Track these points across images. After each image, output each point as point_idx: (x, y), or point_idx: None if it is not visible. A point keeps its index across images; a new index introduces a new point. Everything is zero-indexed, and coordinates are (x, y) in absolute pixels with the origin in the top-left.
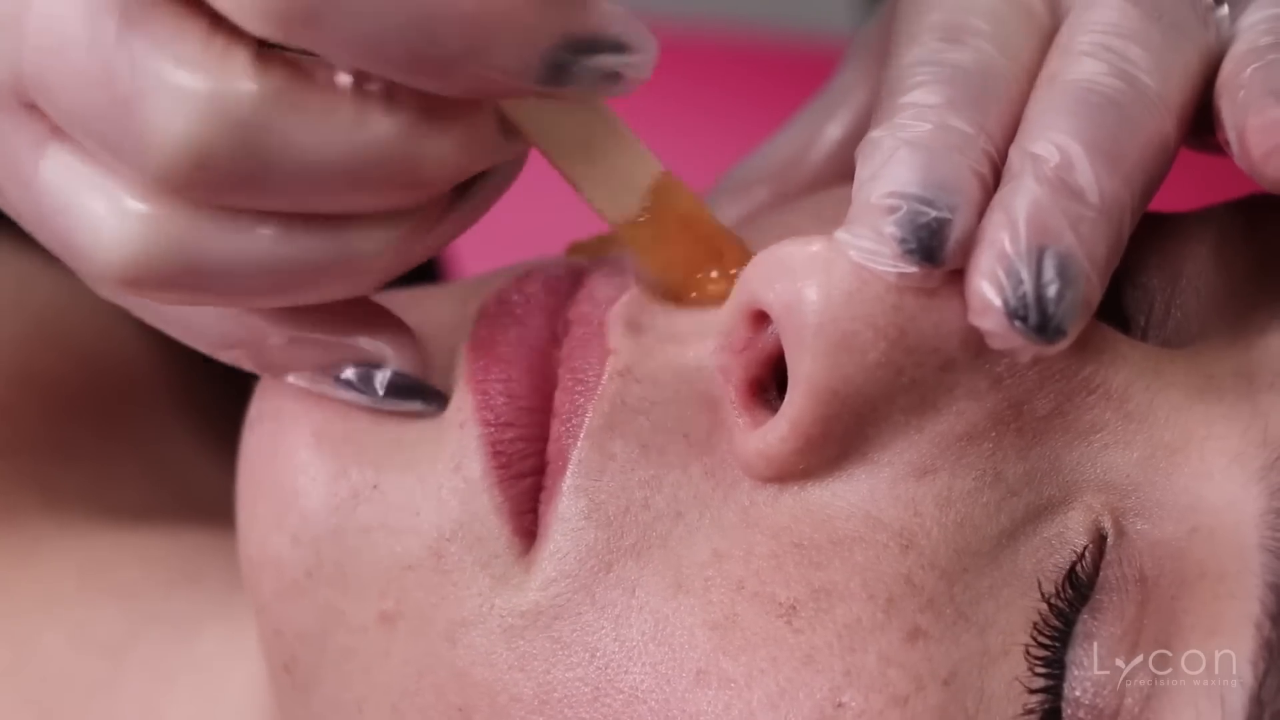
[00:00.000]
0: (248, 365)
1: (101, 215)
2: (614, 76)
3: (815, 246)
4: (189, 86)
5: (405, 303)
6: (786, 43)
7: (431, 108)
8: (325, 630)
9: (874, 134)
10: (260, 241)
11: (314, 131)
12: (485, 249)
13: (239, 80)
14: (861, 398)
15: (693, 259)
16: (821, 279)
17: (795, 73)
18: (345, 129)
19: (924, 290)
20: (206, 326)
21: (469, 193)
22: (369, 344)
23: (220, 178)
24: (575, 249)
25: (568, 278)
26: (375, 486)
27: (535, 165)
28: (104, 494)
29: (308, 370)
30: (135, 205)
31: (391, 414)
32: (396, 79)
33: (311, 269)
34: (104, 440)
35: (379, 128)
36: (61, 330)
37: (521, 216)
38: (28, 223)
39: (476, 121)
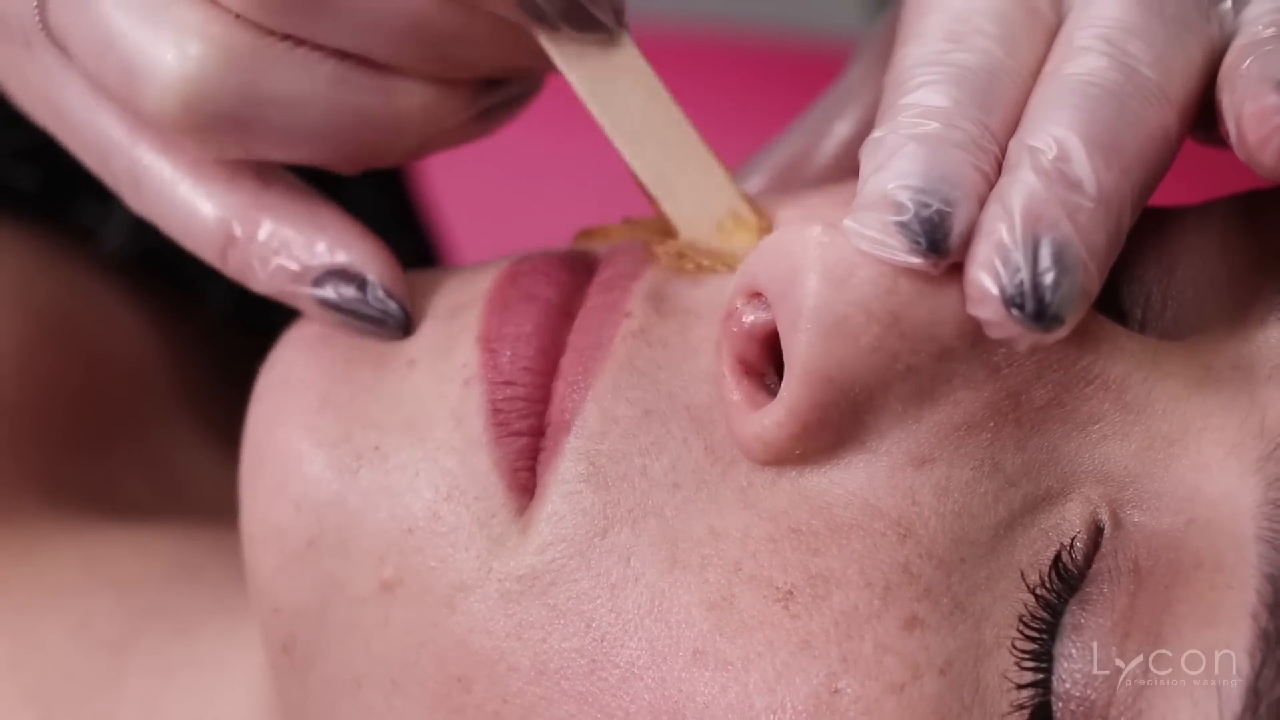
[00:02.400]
0: (235, 266)
1: (167, 38)
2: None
3: (814, 231)
4: None
5: (413, 279)
6: (794, 43)
7: None
8: (324, 604)
9: (877, 134)
10: (316, 79)
11: None
12: (486, 246)
13: None
14: (858, 385)
15: None
16: (816, 264)
17: (803, 73)
18: None
19: (920, 277)
20: (208, 217)
21: (495, 91)
22: (349, 254)
23: None
24: (583, 235)
25: (582, 257)
26: (377, 448)
27: (536, 167)
28: (105, 490)
29: (287, 273)
30: (201, 26)
31: (365, 330)
32: None
33: (358, 113)
34: (105, 437)
35: None
36: (64, 328)
37: (523, 215)
38: (86, 52)
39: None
